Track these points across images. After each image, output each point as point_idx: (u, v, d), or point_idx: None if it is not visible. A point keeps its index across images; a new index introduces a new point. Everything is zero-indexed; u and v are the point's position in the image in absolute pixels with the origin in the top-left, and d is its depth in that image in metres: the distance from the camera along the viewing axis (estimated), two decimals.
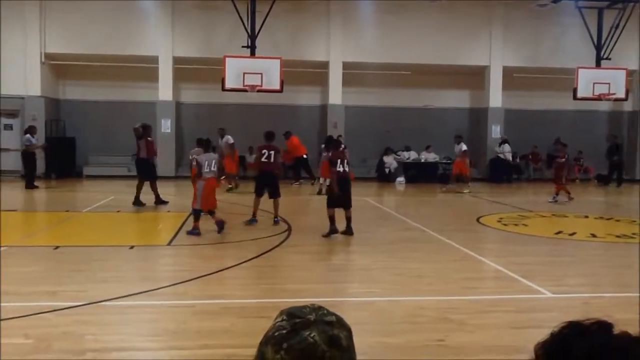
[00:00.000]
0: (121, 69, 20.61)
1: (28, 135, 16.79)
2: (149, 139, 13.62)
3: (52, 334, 4.89)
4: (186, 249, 9.03)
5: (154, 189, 13.31)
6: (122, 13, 20.11)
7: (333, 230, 9.69)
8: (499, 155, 21.47)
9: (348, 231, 9.84)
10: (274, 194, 11.06)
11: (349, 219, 9.86)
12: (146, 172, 13.37)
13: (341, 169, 9.78)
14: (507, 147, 21.43)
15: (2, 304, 5.69)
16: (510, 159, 21.52)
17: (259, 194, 11.02)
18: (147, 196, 13.23)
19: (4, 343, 4.69)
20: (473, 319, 5.51)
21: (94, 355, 4.49)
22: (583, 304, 6.10)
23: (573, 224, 11.97)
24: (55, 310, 5.49)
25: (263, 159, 11.01)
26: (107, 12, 19.95)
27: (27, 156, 16.86)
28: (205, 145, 10.61)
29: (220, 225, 9.89)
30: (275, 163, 11.18)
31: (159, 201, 13.26)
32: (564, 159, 15.50)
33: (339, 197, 9.74)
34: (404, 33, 21.02)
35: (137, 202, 13.06)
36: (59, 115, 20.98)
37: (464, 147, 18.22)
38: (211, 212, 10.12)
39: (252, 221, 10.95)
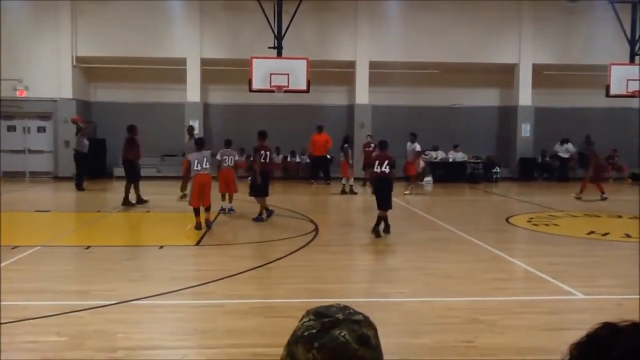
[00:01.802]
0: (150, 71, 20.91)
1: (80, 135, 17.00)
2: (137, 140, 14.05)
3: (84, 332, 4.98)
4: (214, 249, 9.10)
5: (128, 189, 13.52)
6: (150, 16, 20.41)
7: (376, 230, 9.82)
8: (560, 154, 21.19)
9: (385, 229, 9.88)
10: (264, 193, 11.41)
11: (385, 219, 9.88)
12: (131, 172, 13.65)
13: (378, 170, 9.80)
14: (570, 146, 21.16)
15: (37, 302, 5.83)
16: (570, 157, 21.26)
17: (263, 194, 11.33)
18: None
19: (39, 340, 4.80)
20: (503, 320, 5.43)
21: (124, 353, 4.55)
22: (616, 306, 5.97)
23: (606, 224, 11.72)
24: (87, 309, 5.59)
25: (262, 159, 11.34)
26: (136, 15, 20.28)
27: (79, 157, 16.92)
28: (198, 143, 10.93)
29: (207, 224, 10.34)
30: (272, 163, 11.59)
31: (126, 202, 13.40)
32: (591, 158, 15.64)
33: (377, 198, 9.90)
34: (431, 31, 20.88)
35: (127, 202, 13.37)
36: (89, 117, 21.36)
37: (418, 147, 17.49)
38: (206, 209, 10.53)
39: (271, 213, 11.30)
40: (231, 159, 11.77)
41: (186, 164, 13.06)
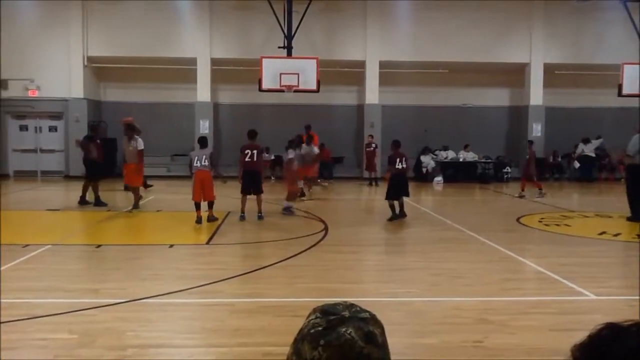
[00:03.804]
0: (160, 71, 21.01)
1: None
2: (98, 141, 14.01)
3: (95, 330, 5.01)
4: (224, 248, 9.12)
5: (86, 188, 13.48)
6: (161, 16, 20.51)
7: (393, 217, 11.39)
8: (588, 154, 20.96)
9: (401, 214, 11.46)
10: (257, 191, 11.60)
11: (401, 205, 11.55)
12: (95, 173, 13.55)
13: (400, 166, 11.46)
14: (595, 144, 20.84)
15: (49, 300, 5.88)
16: (598, 155, 20.96)
17: (244, 192, 11.59)
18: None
19: (50, 338, 4.84)
20: (513, 321, 5.40)
21: (134, 351, 4.57)
22: (628, 307, 5.92)
23: (618, 224, 11.63)
24: (97, 307, 5.63)
25: (247, 159, 11.49)
26: (147, 16, 20.38)
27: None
28: (201, 142, 11.50)
29: (210, 218, 10.98)
30: (258, 162, 11.68)
31: (83, 201, 13.36)
32: (531, 158, 16.33)
33: (394, 190, 11.43)
34: (441, 31, 20.82)
35: (83, 202, 13.38)
36: (100, 117, 21.50)
37: (291, 154, 16.59)
38: (209, 205, 11.07)
39: (242, 217, 11.42)
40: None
41: (128, 170, 12.88)
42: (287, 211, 12.22)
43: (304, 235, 9.82)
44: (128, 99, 21.62)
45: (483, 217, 12.73)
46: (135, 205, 12.74)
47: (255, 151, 11.57)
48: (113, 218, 11.98)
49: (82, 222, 11.88)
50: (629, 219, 11.80)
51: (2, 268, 7.19)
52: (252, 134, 11.84)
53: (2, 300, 5.79)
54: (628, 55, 19.51)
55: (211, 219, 10.98)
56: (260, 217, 11.52)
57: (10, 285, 6.45)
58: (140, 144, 12.94)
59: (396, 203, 11.54)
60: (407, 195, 11.71)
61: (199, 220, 10.86)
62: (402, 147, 11.75)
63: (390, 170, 11.60)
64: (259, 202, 11.62)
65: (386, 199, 11.64)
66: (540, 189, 15.93)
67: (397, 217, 11.42)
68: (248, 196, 11.64)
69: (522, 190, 16.07)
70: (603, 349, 0.96)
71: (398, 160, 11.47)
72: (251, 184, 11.56)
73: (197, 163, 11.01)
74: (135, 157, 12.85)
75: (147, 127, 17.45)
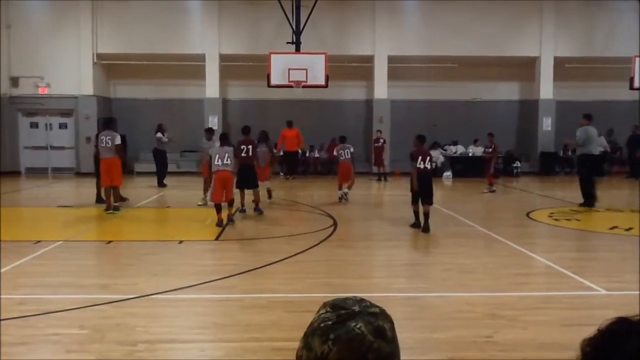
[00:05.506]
0: (169, 68, 21.07)
1: (159, 134, 16.99)
2: None
3: (105, 325, 5.05)
4: (233, 244, 9.15)
5: (101, 188, 13.13)
6: (169, 13, 20.56)
7: (416, 224, 10.02)
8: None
9: (425, 228, 9.71)
10: (253, 186, 11.62)
11: (426, 215, 9.77)
12: (98, 169, 13.12)
13: (422, 166, 9.78)
14: (603, 140, 20.63)
15: (60, 296, 5.93)
16: (604, 150, 20.77)
17: (240, 187, 11.63)
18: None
19: (62, 333, 4.88)
20: (523, 316, 5.39)
21: (145, 346, 4.60)
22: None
23: (629, 219, 11.54)
24: (108, 303, 5.67)
25: (242, 154, 11.45)
26: (156, 12, 20.43)
27: (158, 154, 17.05)
28: (222, 138, 10.89)
29: (229, 219, 10.41)
30: (253, 156, 11.68)
31: (119, 199, 12.94)
32: (490, 150, 16.30)
33: (419, 193, 9.86)
34: (450, 24, 20.71)
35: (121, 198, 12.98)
36: (110, 114, 21.50)
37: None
38: (229, 204, 10.57)
39: (242, 210, 11.61)
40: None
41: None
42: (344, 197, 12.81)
43: (314, 230, 9.83)
44: (137, 96, 21.72)
45: (493, 212, 12.69)
46: (107, 208, 11.90)
47: (250, 146, 11.58)
48: (123, 215, 12.03)
49: (93, 219, 11.94)
50: (581, 204, 12.52)
51: (15, 264, 7.27)
52: (245, 130, 11.94)
53: (14, 296, 5.85)
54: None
55: (231, 219, 10.38)
56: (258, 211, 11.53)
57: (23, 281, 6.51)
58: (108, 138, 12.05)
59: (421, 211, 9.94)
60: (430, 201, 9.91)
61: (220, 224, 10.16)
62: (409, 142, 10.34)
63: (412, 170, 9.94)
64: (256, 196, 11.65)
65: (412, 203, 10.13)
66: (491, 184, 16.06)
67: (419, 226, 9.93)
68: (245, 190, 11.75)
69: (491, 184, 16.14)
70: (616, 344, 0.94)
71: (420, 158, 9.82)
72: (246, 179, 11.58)
73: (218, 162, 10.26)
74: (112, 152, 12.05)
75: (157, 123, 17.58)
